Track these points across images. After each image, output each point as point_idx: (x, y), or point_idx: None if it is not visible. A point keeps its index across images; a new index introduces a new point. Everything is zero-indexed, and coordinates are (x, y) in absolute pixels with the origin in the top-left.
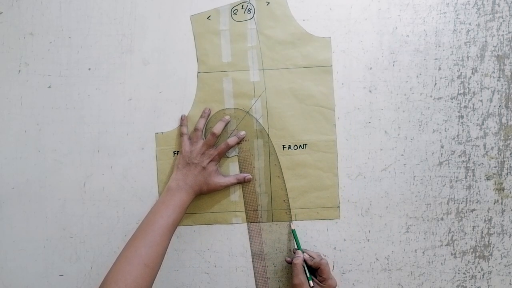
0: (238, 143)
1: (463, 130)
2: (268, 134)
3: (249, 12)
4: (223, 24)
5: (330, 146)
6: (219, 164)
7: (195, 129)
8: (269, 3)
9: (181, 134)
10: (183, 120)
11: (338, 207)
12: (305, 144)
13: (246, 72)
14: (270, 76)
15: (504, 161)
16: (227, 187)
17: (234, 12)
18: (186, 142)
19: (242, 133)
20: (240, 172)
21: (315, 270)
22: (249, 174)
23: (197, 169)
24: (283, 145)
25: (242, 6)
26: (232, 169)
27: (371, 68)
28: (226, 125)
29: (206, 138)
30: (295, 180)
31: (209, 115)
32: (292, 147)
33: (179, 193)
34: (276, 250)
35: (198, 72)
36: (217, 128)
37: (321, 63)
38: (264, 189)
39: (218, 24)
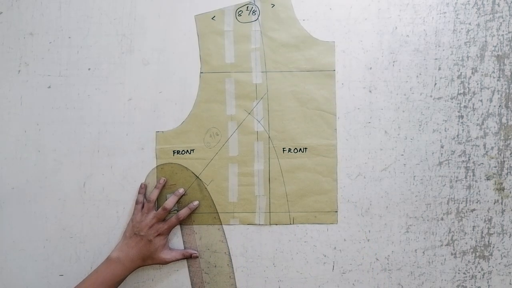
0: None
1: (463, 130)
2: (268, 137)
3: (253, 13)
4: (227, 24)
5: (330, 151)
6: (168, 238)
7: (148, 200)
8: (274, 5)
9: (136, 202)
10: (141, 188)
11: (336, 212)
12: (305, 148)
13: (248, 73)
14: (272, 78)
15: (504, 161)
16: (172, 262)
17: (239, 13)
18: (138, 211)
19: (196, 202)
20: (184, 246)
21: None
22: (196, 251)
23: (143, 242)
24: (283, 148)
25: (247, 7)
26: (232, 169)
27: (371, 68)
28: (179, 199)
29: (157, 211)
30: (294, 183)
31: (163, 186)
32: (292, 150)
33: (115, 266)
34: (276, 250)
35: (201, 72)
36: (169, 203)
37: (324, 67)
38: (263, 192)
39: (222, 24)
